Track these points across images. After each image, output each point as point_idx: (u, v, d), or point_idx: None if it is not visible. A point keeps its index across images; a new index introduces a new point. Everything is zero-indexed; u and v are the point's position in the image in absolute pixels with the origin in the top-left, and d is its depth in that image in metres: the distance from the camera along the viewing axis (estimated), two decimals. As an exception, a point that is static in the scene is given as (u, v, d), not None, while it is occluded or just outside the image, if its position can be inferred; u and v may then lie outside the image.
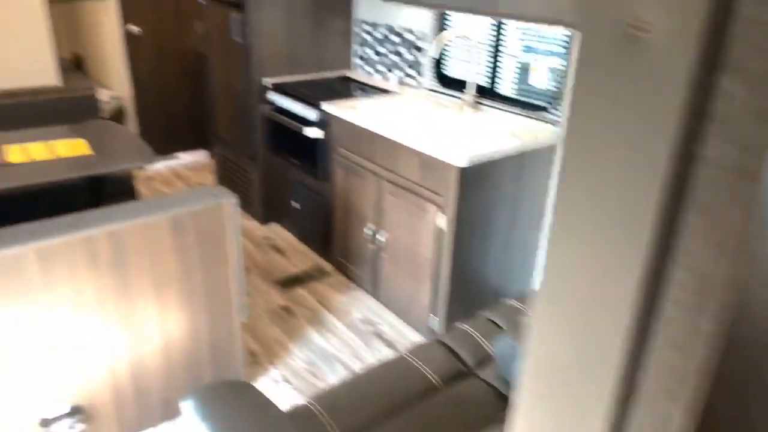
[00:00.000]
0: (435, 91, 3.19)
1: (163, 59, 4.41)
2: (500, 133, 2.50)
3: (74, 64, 4.80)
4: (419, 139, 2.39)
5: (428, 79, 3.23)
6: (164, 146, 4.48)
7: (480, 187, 2.35)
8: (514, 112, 2.78)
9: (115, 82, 4.31)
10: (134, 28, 4.22)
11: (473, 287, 2.57)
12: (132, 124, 4.40)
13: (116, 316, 1.85)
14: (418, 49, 3.22)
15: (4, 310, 1.63)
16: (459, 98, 2.97)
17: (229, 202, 1.99)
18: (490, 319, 1.92)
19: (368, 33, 3.53)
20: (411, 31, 3.23)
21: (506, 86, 2.88)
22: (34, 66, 3.34)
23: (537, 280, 0.53)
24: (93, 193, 2.64)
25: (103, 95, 3.88)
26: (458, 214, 2.32)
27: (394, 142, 2.52)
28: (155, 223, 1.83)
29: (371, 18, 3.48)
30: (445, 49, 3.14)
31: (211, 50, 3.71)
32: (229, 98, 3.66)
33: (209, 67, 3.79)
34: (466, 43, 2.96)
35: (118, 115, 4.16)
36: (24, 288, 1.64)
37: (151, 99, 4.44)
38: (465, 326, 1.89)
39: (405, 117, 2.76)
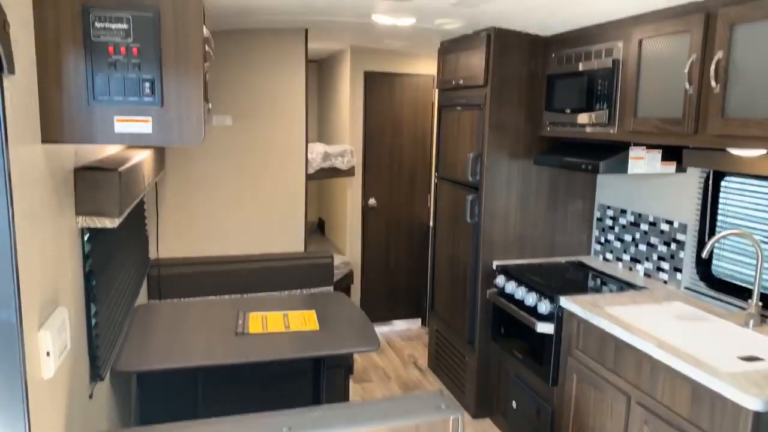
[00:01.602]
0: (696, 292, 2.65)
1: (392, 229, 4.63)
2: (812, 368, 1.86)
3: (318, 227, 5.32)
4: (688, 359, 1.89)
5: (688, 276, 2.72)
6: (382, 312, 4.53)
7: (787, 445, 1.71)
8: (823, 336, 2.11)
9: (349, 247, 4.60)
10: (372, 201, 4.55)
11: None
12: (357, 288, 4.57)
13: None
14: (677, 242, 2.78)
15: None
16: (735, 306, 2.40)
17: (457, 416, 1.72)
18: None
19: (612, 218, 3.21)
20: (668, 221, 2.83)
21: (807, 299, 2.25)
22: (286, 234, 3.70)
23: None
24: (315, 360, 2.66)
25: (337, 260, 4.12)
26: (754, 479, 1.69)
27: (652, 358, 2.05)
28: (373, 433, 1.63)
29: (617, 203, 3.18)
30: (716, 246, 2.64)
31: (440, 225, 3.74)
32: (452, 275, 3.56)
33: (436, 241, 3.81)
34: (748, 241, 2.45)
35: (347, 278, 4.36)
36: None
37: (377, 266, 4.61)
38: None
39: (664, 324, 2.28)
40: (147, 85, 1.37)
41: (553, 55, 3.01)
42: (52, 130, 1.34)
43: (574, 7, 2.45)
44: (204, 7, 1.99)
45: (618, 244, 3.17)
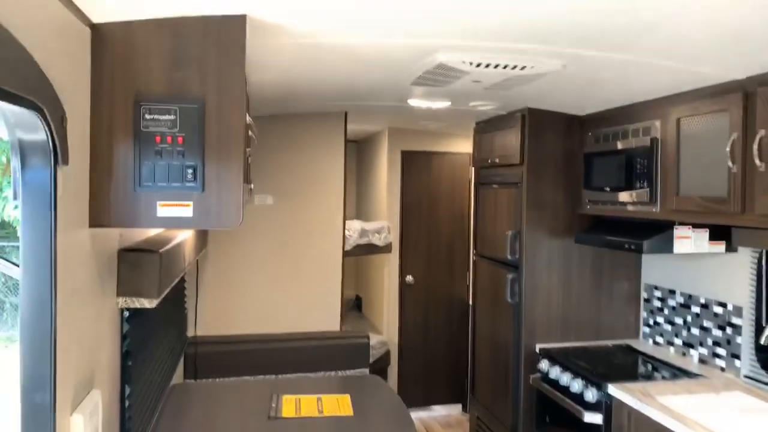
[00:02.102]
0: (758, 381, 2.45)
1: (431, 307, 4.55)
2: None
3: (355, 304, 5.28)
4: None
5: (747, 363, 2.53)
6: (420, 396, 4.37)
7: None
8: None
9: (386, 325, 4.52)
10: (409, 278, 4.51)
11: None
12: (394, 370, 4.44)
13: None
14: (732, 325, 2.61)
15: None
16: (804, 399, 2.20)
17: None
18: None
19: (661, 299, 3.07)
20: (720, 303, 2.68)
21: None
22: (323, 311, 3.68)
23: None
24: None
25: (374, 339, 4.04)
26: None
27: (716, 458, 1.87)
28: None
29: (664, 283, 3.05)
30: (772, 330, 2.47)
31: (479, 304, 3.65)
32: (493, 358, 3.43)
33: (475, 321, 3.71)
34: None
35: (384, 358, 4.26)
36: None
37: (414, 345, 4.50)
38: None
39: (725, 417, 2.11)
40: (190, 171, 1.43)
41: (590, 133, 3.01)
42: (99, 216, 1.40)
43: (609, 87, 2.48)
44: (247, 96, 2.10)
45: (668, 327, 3.00)
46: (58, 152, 1.14)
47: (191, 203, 1.44)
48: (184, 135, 1.43)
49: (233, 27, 1.46)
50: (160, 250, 1.74)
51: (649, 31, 1.67)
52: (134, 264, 1.68)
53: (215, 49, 1.45)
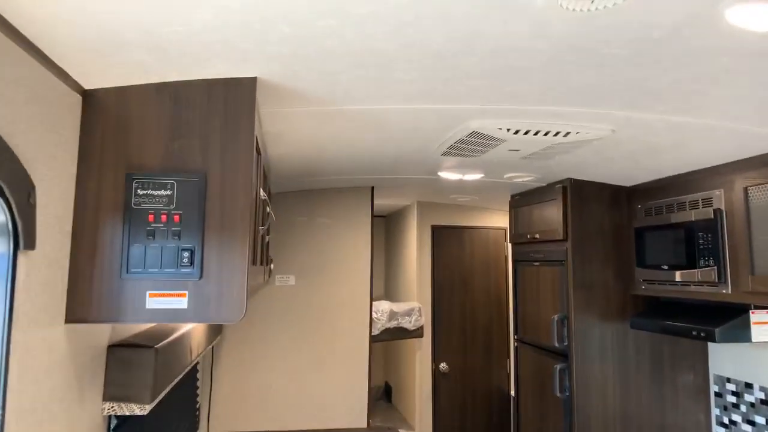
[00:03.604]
0: None
1: (468, 398, 4.13)
2: None
3: (384, 392, 4.88)
4: None
5: None
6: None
7: None
8: None
9: (418, 419, 4.11)
10: (444, 366, 4.14)
11: None
12: (427, 469, 3.99)
13: None
14: (832, 429, 2.19)
15: None
16: None
17: None
18: None
19: (735, 394, 2.66)
20: (813, 402, 2.27)
21: None
22: (348, 403, 3.34)
23: None
24: None
25: (404, 435, 3.64)
26: None
27: None
28: None
29: (738, 375, 2.64)
30: None
31: (524, 397, 3.26)
32: (541, 459, 3.00)
33: (519, 416, 3.30)
34: None
35: (414, 456, 3.83)
36: None
37: (450, 440, 4.05)
38: None
39: None
40: (186, 254, 1.21)
41: (639, 206, 2.74)
42: (78, 309, 1.19)
43: (662, 155, 2.24)
44: (264, 169, 1.92)
45: (749, 429, 2.57)
46: (20, 235, 0.95)
47: (187, 292, 1.22)
48: (182, 213, 1.23)
49: (242, 91, 1.29)
50: (157, 345, 1.50)
51: (716, 85, 1.45)
52: (124, 362, 1.44)
53: (220, 115, 1.28)
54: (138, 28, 1.03)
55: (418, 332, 3.90)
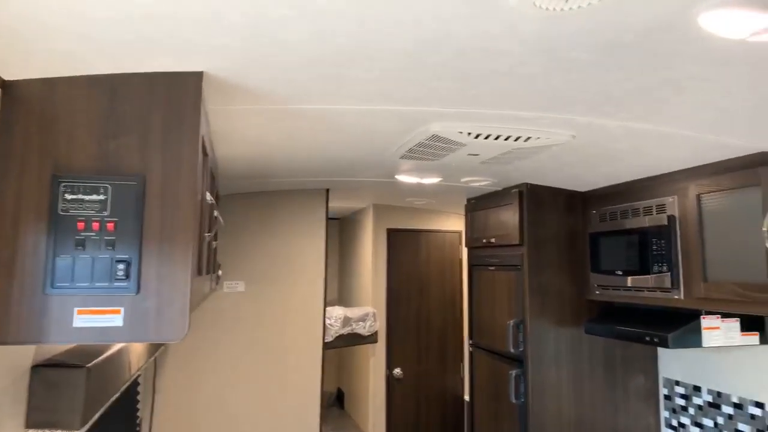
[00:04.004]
0: (818, 500, 2.07)
1: (422, 404, 4.09)
2: None
3: (336, 399, 4.78)
4: None
5: (800, 477, 2.15)
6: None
7: None
8: None
9: (372, 425, 4.03)
10: (398, 371, 4.08)
11: None
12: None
13: None
14: (775, 431, 2.25)
15: None
16: None
17: None
18: None
19: (684, 396, 2.71)
20: (757, 403, 2.33)
21: None
22: (299, 413, 3.22)
23: None
24: None
25: (357, 443, 3.56)
26: None
27: None
28: None
29: (687, 378, 2.69)
30: (826, 437, 2.12)
31: (478, 403, 3.24)
32: (496, 466, 2.98)
33: (474, 421, 3.27)
34: None
35: (367, 464, 3.75)
36: None
37: (404, 447, 4.00)
38: None
39: None
40: (121, 266, 1.09)
41: (594, 211, 2.76)
42: (-9, 328, 1.04)
43: (620, 161, 2.24)
44: (212, 171, 1.80)
45: (697, 431, 2.62)
46: None
47: (122, 309, 1.10)
48: (117, 220, 1.11)
49: (186, 87, 1.18)
50: (89, 364, 1.36)
51: (679, 93, 1.43)
52: (51, 384, 1.29)
53: (162, 113, 1.16)
54: (63, 12, 0.91)
55: (372, 338, 3.83)
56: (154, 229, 1.12)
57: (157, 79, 1.16)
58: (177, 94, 1.17)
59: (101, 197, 1.10)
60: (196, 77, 1.18)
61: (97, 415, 1.44)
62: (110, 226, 1.10)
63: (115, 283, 1.09)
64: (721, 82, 1.31)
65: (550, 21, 1.01)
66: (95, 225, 1.09)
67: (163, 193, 1.13)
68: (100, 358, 1.45)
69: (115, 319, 1.09)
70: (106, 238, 1.10)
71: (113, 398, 1.61)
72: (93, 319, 1.08)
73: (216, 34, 1.03)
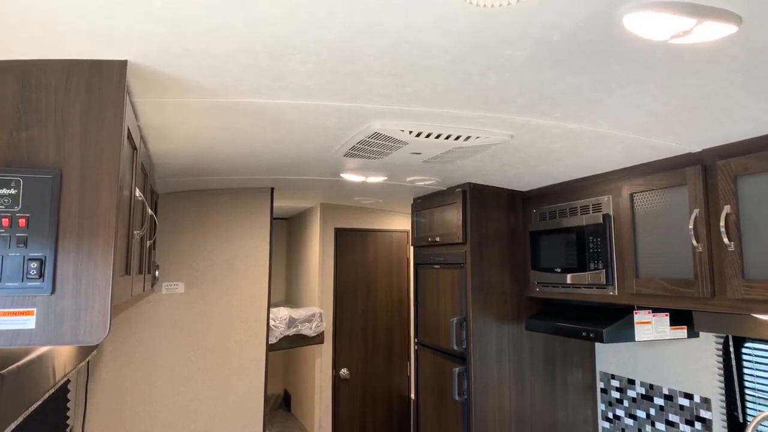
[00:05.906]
0: (739, 484, 2.18)
1: (369, 403, 4.07)
2: None
3: (283, 401, 4.70)
4: None
5: (723, 463, 2.26)
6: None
7: None
8: None
9: (318, 426, 3.99)
10: (344, 372, 4.05)
11: None
12: (326, 478, 3.88)
13: None
14: (701, 420, 2.36)
15: None
16: None
17: None
18: None
19: (618, 389, 2.80)
20: (686, 395, 2.44)
21: None
22: (242, 417, 3.15)
23: None
24: None
25: (303, 446, 3.51)
26: None
27: None
28: None
29: (622, 371, 2.79)
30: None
31: (423, 401, 3.25)
32: (441, 463, 3.00)
33: (419, 420, 3.29)
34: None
35: (313, 467, 3.71)
36: None
37: (351, 448, 3.97)
38: None
39: None
40: (34, 265, 1.02)
41: (534, 210, 2.82)
42: None
43: (557, 161, 2.30)
44: (143, 167, 1.73)
45: (630, 422, 2.72)
46: None
47: (35, 310, 1.03)
48: (29, 216, 1.04)
49: (108, 76, 1.12)
50: (3, 371, 1.27)
51: (610, 94, 1.48)
52: (-42, 393, 1.20)
53: (82, 103, 1.09)
54: (-35, -11, 0.84)
55: (318, 338, 3.78)
56: (72, 226, 1.06)
57: (76, 66, 1.10)
58: (98, 84, 1.11)
59: (12, 191, 1.03)
60: (120, 66, 1.12)
61: (13, 425, 1.35)
62: (22, 222, 1.03)
63: (28, 283, 1.02)
64: (646, 83, 1.35)
65: (482, 17, 1.02)
66: (5, 221, 1.02)
67: (81, 188, 1.07)
68: (17, 364, 1.36)
69: (27, 322, 1.02)
70: (17, 235, 1.03)
71: (33, 407, 1.51)
72: (2, 321, 1.01)
73: (138, 20, 0.98)
